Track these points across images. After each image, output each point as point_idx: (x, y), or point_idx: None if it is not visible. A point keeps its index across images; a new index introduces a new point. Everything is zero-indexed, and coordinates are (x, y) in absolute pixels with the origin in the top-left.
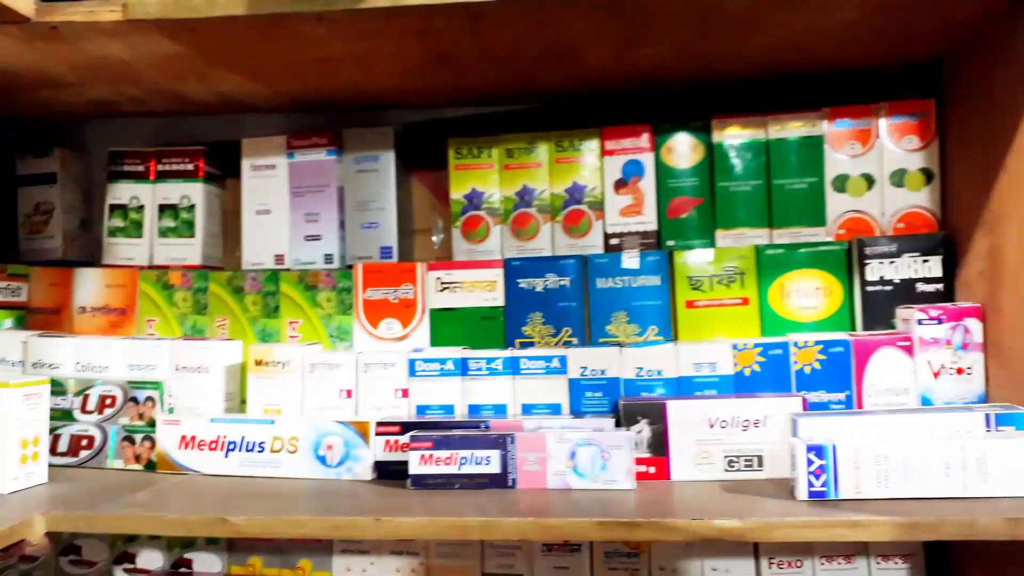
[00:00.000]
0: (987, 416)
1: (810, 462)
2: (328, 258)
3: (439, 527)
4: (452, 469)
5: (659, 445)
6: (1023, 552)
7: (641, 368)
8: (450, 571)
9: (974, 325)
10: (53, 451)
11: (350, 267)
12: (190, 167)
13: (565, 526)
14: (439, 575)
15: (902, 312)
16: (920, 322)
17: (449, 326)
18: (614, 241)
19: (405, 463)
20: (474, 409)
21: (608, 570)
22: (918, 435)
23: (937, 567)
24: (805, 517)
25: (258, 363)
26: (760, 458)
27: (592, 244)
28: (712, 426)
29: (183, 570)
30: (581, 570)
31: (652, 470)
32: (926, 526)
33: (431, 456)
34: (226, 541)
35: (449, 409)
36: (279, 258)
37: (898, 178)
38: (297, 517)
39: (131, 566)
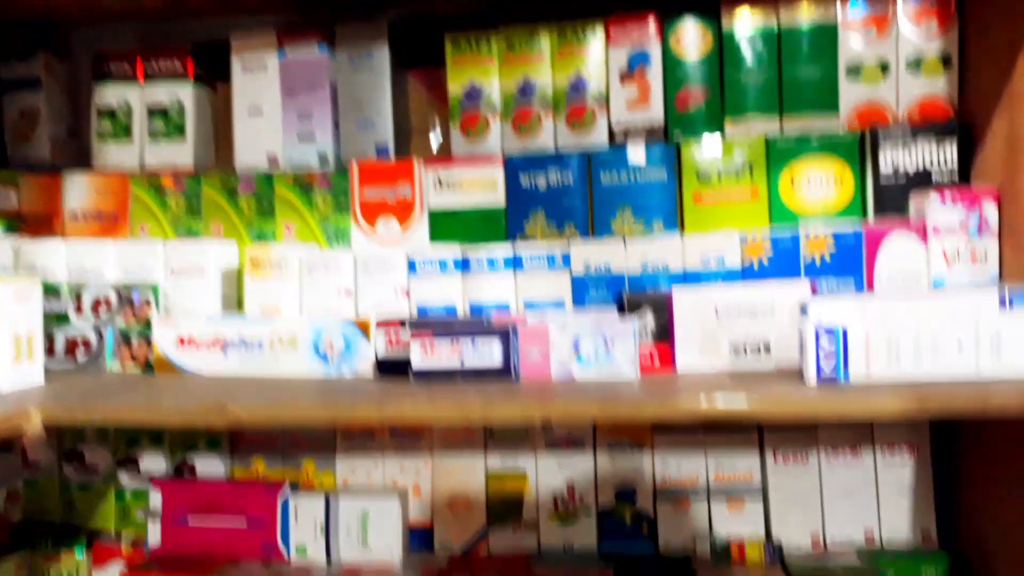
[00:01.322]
0: (1001, 296)
1: (819, 345)
2: (322, 158)
3: (441, 410)
4: (454, 363)
5: (664, 335)
6: None
7: (646, 263)
8: (453, 470)
9: (990, 209)
10: (50, 354)
11: (346, 168)
12: (179, 68)
13: (568, 405)
14: (442, 474)
15: (916, 197)
16: (934, 206)
17: (448, 226)
18: (619, 136)
19: (407, 361)
20: (476, 309)
21: (611, 467)
22: (931, 315)
23: (943, 461)
24: (814, 397)
25: (254, 264)
26: (767, 345)
27: (596, 140)
28: (718, 315)
29: (186, 473)
30: (584, 466)
31: (657, 361)
32: (937, 401)
33: (432, 348)
34: (228, 443)
35: (451, 310)
36: (272, 159)
37: (915, 65)
38: (297, 404)
39: (134, 470)
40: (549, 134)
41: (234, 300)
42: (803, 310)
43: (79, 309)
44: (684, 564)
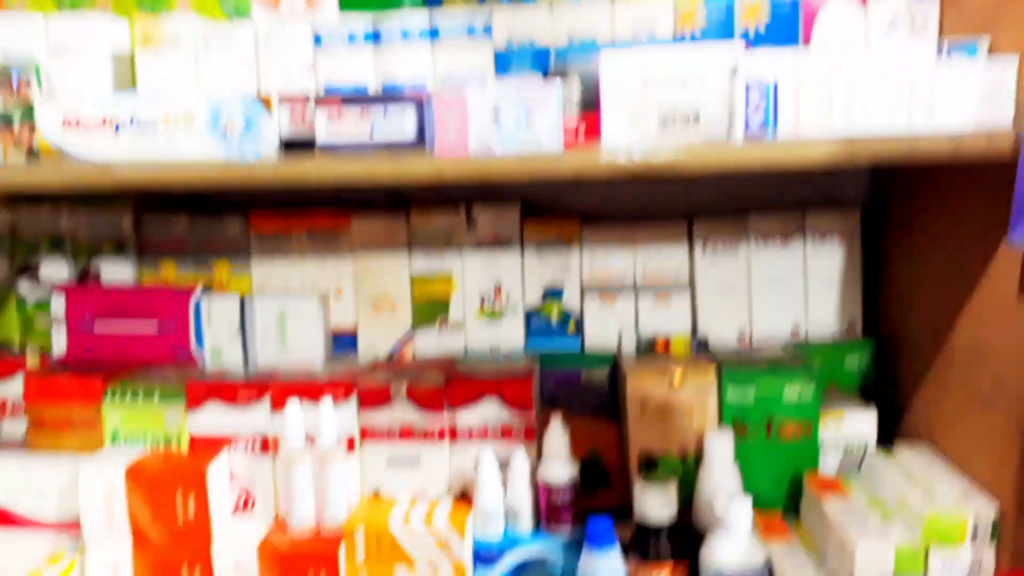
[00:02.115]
0: (939, 46)
1: (748, 99)
2: None
3: (345, 171)
4: (364, 137)
5: (590, 106)
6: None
7: (574, 36)
8: (376, 272)
9: None
10: None
11: None
12: None
13: (483, 163)
14: (365, 277)
15: None
16: None
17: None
18: None
19: (314, 141)
20: (390, 88)
21: (539, 263)
22: (864, 71)
23: (870, 252)
24: (742, 147)
25: (146, 38)
26: (697, 116)
27: None
28: (648, 83)
29: (91, 281)
30: (511, 265)
31: (582, 136)
32: (866, 148)
33: (340, 117)
34: (135, 247)
35: (362, 89)
36: None
37: None
38: (188, 165)
39: (35, 278)
40: None
41: (127, 86)
42: (734, 70)
43: None
44: (609, 359)
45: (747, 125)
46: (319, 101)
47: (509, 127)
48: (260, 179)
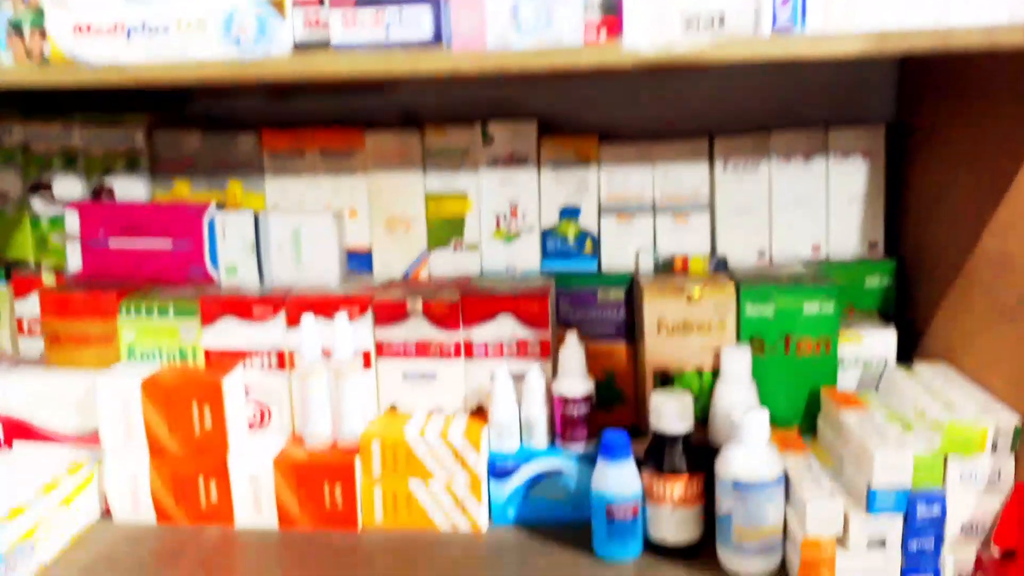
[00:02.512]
0: None
1: None
2: None
3: (361, 63)
4: (379, 36)
5: (612, 9)
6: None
7: None
8: (392, 191)
9: None
10: None
11: None
12: None
13: (500, 57)
14: (379, 195)
15: None
16: None
17: None
18: None
19: (328, 44)
20: None
21: (556, 184)
22: None
23: (892, 172)
24: (769, 39)
25: None
26: (723, 18)
27: None
28: None
29: (104, 198)
30: (528, 184)
31: (603, 36)
32: (897, 40)
33: (355, 18)
34: (148, 165)
35: None
36: None
37: None
38: (197, 61)
39: (48, 196)
40: None
41: None
42: None
43: None
44: (626, 280)
45: (774, 20)
46: (333, 2)
47: (529, 25)
48: (273, 74)
